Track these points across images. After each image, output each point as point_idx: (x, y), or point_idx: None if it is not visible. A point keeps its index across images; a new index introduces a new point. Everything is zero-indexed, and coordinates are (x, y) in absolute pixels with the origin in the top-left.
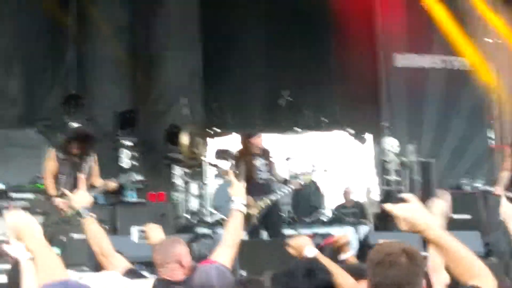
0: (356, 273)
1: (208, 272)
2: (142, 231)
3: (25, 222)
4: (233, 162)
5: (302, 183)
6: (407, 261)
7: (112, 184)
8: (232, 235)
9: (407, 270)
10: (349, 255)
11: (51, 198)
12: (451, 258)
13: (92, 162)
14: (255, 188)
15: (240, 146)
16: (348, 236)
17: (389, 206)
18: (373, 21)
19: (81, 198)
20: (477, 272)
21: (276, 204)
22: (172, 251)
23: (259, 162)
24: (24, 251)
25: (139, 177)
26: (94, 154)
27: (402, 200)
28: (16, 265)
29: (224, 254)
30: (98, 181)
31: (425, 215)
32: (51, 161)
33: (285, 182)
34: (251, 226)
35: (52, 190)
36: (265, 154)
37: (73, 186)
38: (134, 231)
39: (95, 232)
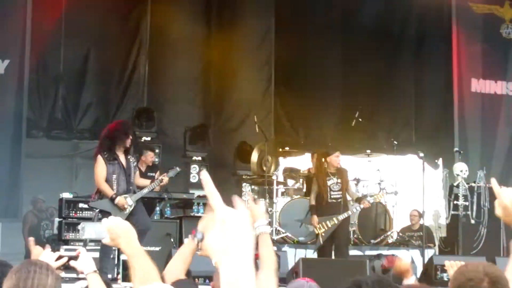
0: None
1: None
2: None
3: (123, 227)
4: (302, 180)
5: (372, 201)
6: (489, 286)
7: (165, 179)
8: (269, 257)
9: None
10: (412, 281)
11: (112, 199)
12: None
13: (135, 162)
14: (326, 207)
15: (315, 164)
16: (409, 262)
17: (498, 189)
18: (450, 45)
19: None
20: None
21: (345, 223)
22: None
23: (332, 181)
24: (89, 265)
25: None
26: (135, 155)
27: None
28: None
29: (269, 278)
30: (144, 181)
31: None
32: (102, 164)
33: (357, 200)
34: (318, 244)
35: (109, 191)
36: (339, 173)
37: (125, 185)
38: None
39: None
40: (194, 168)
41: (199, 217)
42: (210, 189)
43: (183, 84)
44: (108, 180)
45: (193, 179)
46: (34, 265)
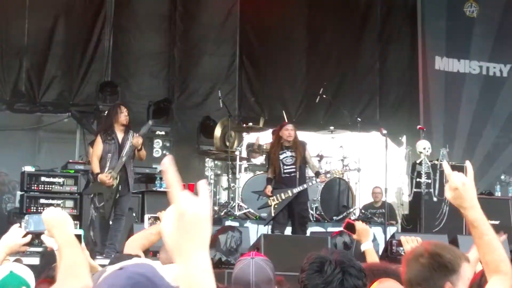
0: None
1: (246, 267)
2: (152, 218)
3: (58, 218)
4: (265, 156)
5: (329, 176)
6: (427, 260)
7: (136, 139)
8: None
9: (420, 270)
10: (369, 245)
11: (96, 176)
12: (483, 245)
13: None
14: (280, 181)
15: (272, 138)
16: (367, 226)
17: (450, 172)
18: (415, 23)
19: None
20: (502, 269)
21: (302, 199)
22: None
23: (284, 155)
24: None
25: None
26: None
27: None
28: (50, 251)
29: None
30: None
31: (475, 195)
32: (99, 143)
33: (316, 174)
34: (269, 217)
35: (96, 168)
36: (295, 147)
37: (115, 162)
38: (146, 218)
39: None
40: (157, 143)
41: (162, 192)
42: (170, 178)
43: (147, 58)
44: (102, 158)
45: (156, 153)
46: None
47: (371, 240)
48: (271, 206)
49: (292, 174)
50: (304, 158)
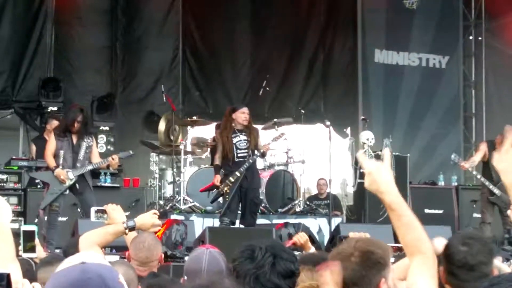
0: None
1: (200, 257)
2: (99, 211)
3: None
4: (208, 150)
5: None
6: (359, 260)
7: (114, 160)
8: None
9: (355, 269)
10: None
11: (52, 170)
12: (402, 226)
13: (91, 143)
14: (233, 166)
15: (222, 122)
16: (305, 235)
17: (362, 159)
18: (355, 16)
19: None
20: (422, 249)
21: (253, 185)
22: (157, 252)
23: (238, 139)
24: None
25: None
26: (92, 136)
27: (379, 157)
28: None
29: None
30: (97, 159)
31: (390, 179)
32: (53, 140)
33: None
34: (225, 205)
35: (52, 163)
36: (248, 131)
37: (71, 161)
38: (92, 211)
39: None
40: (102, 138)
41: (106, 187)
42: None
43: (90, 53)
44: (55, 155)
45: (101, 149)
46: None
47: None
48: (223, 194)
49: (245, 159)
50: (257, 144)
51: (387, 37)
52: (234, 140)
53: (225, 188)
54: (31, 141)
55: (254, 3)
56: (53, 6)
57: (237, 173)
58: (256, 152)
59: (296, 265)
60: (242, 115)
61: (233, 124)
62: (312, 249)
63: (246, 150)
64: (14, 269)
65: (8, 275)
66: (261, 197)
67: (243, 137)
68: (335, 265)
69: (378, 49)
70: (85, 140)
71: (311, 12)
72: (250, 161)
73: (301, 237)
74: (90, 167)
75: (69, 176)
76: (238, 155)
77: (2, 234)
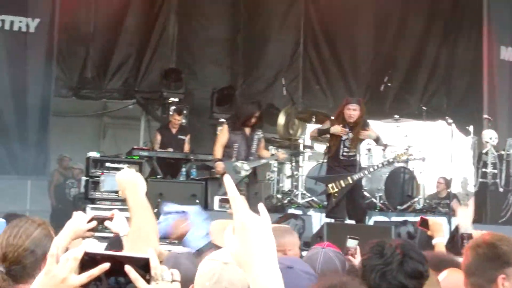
0: (435, 264)
1: (315, 257)
2: (223, 201)
3: (132, 179)
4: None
5: (395, 163)
6: (481, 252)
7: (283, 155)
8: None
9: (475, 259)
10: (441, 240)
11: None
12: None
13: (261, 136)
14: (338, 164)
15: (336, 113)
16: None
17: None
18: (480, 12)
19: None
20: None
21: (358, 187)
22: (281, 240)
23: (345, 136)
24: (124, 228)
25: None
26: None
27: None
28: (116, 238)
29: None
30: (265, 153)
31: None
32: (224, 133)
33: (383, 164)
34: (329, 206)
35: (219, 155)
36: (356, 128)
37: (244, 154)
38: (216, 200)
39: None
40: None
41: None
42: (232, 193)
43: (211, 45)
44: (229, 147)
45: None
46: (27, 218)
47: (444, 236)
48: (331, 193)
49: (352, 158)
50: (361, 139)
51: None
52: (343, 137)
53: (334, 191)
54: (156, 131)
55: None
56: None
57: (350, 180)
58: (375, 167)
59: (426, 266)
60: (348, 112)
61: (343, 119)
62: (443, 236)
63: (351, 149)
64: (152, 254)
65: (147, 260)
66: (379, 194)
67: (350, 134)
68: None
69: (504, 45)
70: (257, 133)
71: (436, 7)
72: (371, 170)
73: (437, 222)
74: (264, 161)
75: (244, 167)
76: (344, 153)
77: (144, 210)
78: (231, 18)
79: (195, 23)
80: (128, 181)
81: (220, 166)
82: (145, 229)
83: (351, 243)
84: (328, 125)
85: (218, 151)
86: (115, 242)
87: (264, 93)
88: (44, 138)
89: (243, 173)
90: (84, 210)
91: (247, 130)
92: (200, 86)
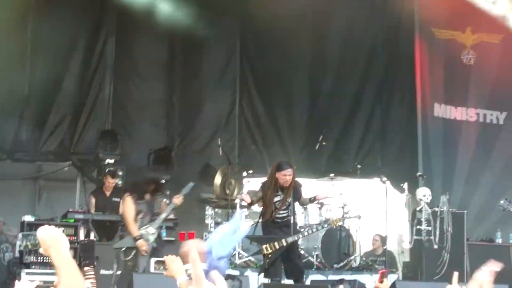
0: None
1: None
2: (158, 263)
3: (53, 237)
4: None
5: (328, 225)
6: None
7: (177, 199)
8: None
9: None
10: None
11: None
12: None
13: (161, 198)
14: (273, 225)
15: (267, 178)
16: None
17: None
18: (413, 71)
19: None
20: None
21: (294, 247)
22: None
23: (278, 198)
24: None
25: (171, 216)
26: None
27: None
28: None
29: None
30: (164, 207)
31: None
32: (131, 205)
33: (316, 224)
34: (262, 266)
35: (136, 232)
36: (289, 191)
37: (150, 221)
38: (152, 262)
39: None
40: None
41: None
42: (197, 271)
43: (147, 106)
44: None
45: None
46: None
47: None
48: (264, 254)
49: (285, 220)
50: (300, 199)
51: (445, 91)
52: (275, 199)
53: (268, 252)
54: (90, 194)
55: (313, 60)
56: (113, 59)
57: (284, 242)
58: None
59: None
60: (283, 177)
61: (277, 183)
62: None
63: (286, 212)
64: None
65: None
66: (316, 252)
67: (281, 196)
68: None
69: (437, 103)
70: (157, 195)
71: (370, 65)
72: (306, 233)
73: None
74: (164, 215)
75: (149, 232)
76: (277, 215)
77: (70, 267)
78: (167, 79)
79: (131, 83)
80: (51, 238)
81: (142, 243)
82: (75, 285)
83: None
84: (260, 192)
85: (135, 228)
86: None
87: (201, 153)
88: None
89: (151, 238)
90: (19, 275)
91: (147, 197)
92: (137, 147)
